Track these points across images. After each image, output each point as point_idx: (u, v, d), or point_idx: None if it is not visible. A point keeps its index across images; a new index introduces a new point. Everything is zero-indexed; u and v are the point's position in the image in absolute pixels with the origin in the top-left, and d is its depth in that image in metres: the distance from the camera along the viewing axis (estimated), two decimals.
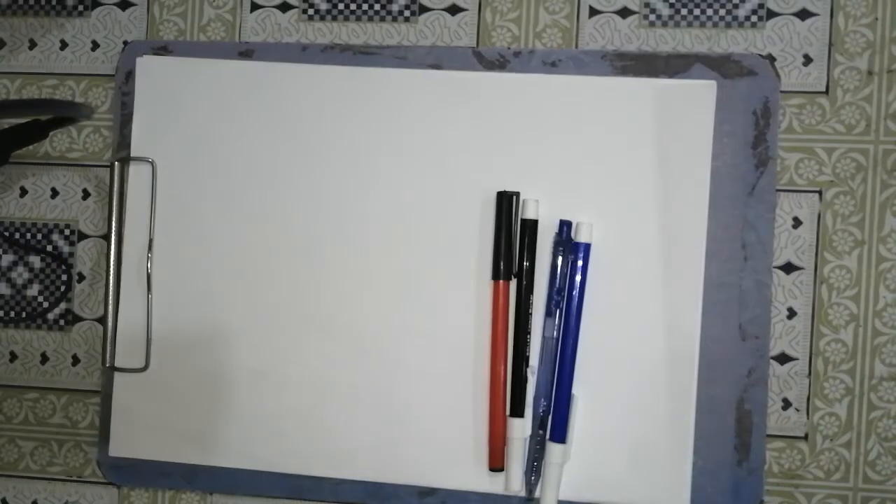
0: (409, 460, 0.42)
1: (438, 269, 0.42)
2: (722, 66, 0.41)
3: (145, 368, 0.44)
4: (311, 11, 0.44)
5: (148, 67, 0.44)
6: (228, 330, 0.43)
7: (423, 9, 0.44)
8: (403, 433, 0.42)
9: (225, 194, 0.43)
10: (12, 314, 0.46)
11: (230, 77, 0.44)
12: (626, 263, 0.41)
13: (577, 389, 0.41)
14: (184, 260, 0.44)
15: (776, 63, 0.41)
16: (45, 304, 0.46)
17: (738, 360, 0.41)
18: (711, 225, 0.41)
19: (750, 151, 0.41)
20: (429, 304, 0.42)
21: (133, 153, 0.44)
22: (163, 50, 0.44)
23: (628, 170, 0.41)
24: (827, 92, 0.41)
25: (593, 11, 0.43)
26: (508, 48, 0.42)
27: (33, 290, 0.46)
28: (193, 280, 0.43)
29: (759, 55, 0.41)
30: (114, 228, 0.44)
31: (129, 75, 0.44)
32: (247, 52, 0.44)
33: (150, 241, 0.43)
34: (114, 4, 0.46)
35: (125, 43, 0.45)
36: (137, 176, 0.44)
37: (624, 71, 0.41)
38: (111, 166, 0.44)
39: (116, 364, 0.44)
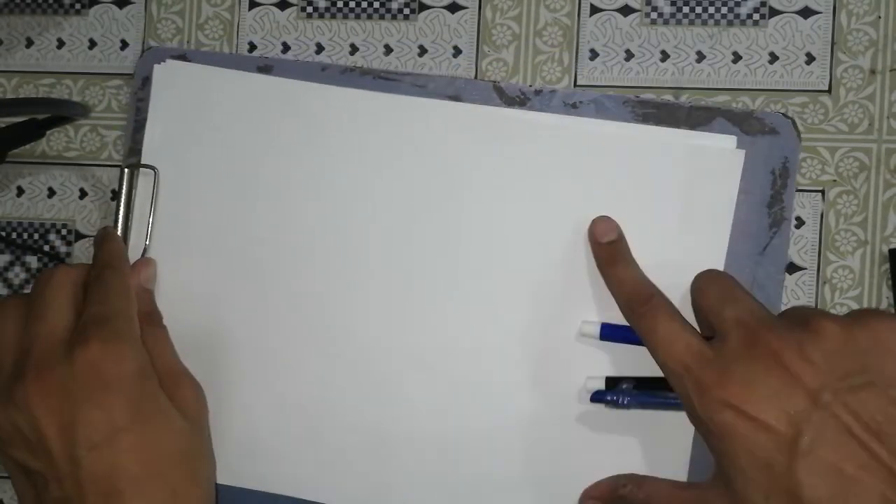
0: (400, 490, 0.42)
1: (447, 297, 0.41)
2: (743, 123, 0.40)
3: None
4: (309, 9, 0.44)
5: (165, 75, 0.44)
6: (228, 346, 0.43)
7: (423, 7, 0.43)
8: (396, 462, 0.42)
9: (233, 208, 0.43)
10: None
11: (246, 90, 0.43)
12: None
13: (570, 437, 0.40)
14: (187, 271, 0.43)
15: (779, 62, 0.41)
16: None
17: None
18: None
19: (765, 210, 0.40)
20: (432, 335, 0.41)
21: (144, 160, 0.44)
22: (181, 59, 0.44)
23: (645, 220, 0.40)
24: (829, 91, 0.41)
25: (594, 9, 0.42)
26: (530, 86, 0.42)
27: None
28: (196, 292, 0.43)
29: (782, 114, 0.40)
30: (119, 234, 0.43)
31: (146, 81, 0.44)
32: (265, 68, 0.43)
33: (146, 248, 0.43)
34: (111, 3, 0.45)
35: (144, 49, 0.45)
36: (147, 183, 0.43)
37: (645, 118, 0.41)
38: (120, 172, 0.43)
39: None
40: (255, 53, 0.44)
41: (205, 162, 0.43)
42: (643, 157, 0.41)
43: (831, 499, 0.30)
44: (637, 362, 0.39)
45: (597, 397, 0.39)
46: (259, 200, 0.43)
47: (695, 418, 0.34)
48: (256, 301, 0.43)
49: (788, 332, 0.33)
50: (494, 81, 0.42)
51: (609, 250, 0.39)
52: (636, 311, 0.37)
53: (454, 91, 0.42)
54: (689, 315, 0.38)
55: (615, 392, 0.39)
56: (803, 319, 0.33)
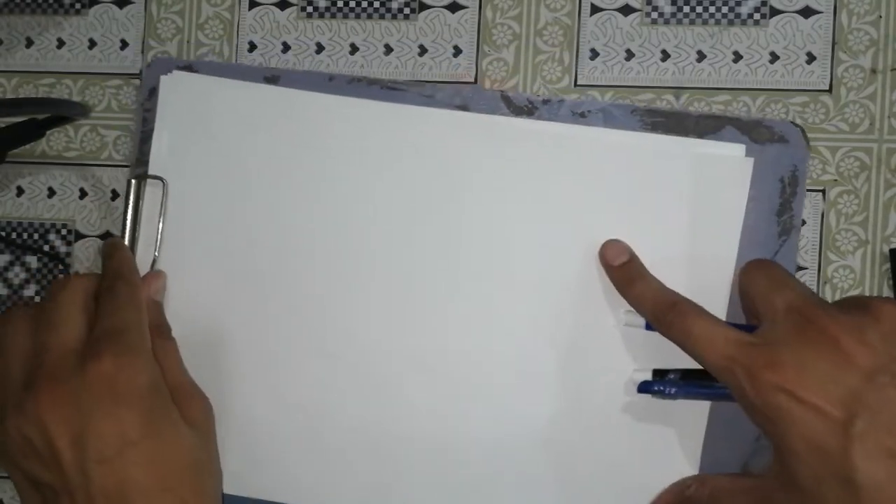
0: (401, 494, 0.41)
1: (457, 304, 0.41)
2: (752, 131, 0.40)
3: None
4: (309, 9, 0.44)
5: (172, 85, 0.43)
6: (231, 353, 0.42)
7: (423, 6, 0.43)
8: (398, 466, 0.41)
9: (240, 218, 0.43)
10: None
11: (253, 101, 0.43)
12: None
13: (575, 448, 0.40)
14: (192, 280, 0.43)
15: (780, 61, 0.41)
16: None
17: (745, 424, 0.39)
18: (731, 291, 0.40)
19: (774, 219, 0.40)
20: (436, 342, 0.41)
21: (151, 170, 0.43)
22: (187, 69, 0.44)
23: (655, 229, 0.40)
24: (830, 90, 0.41)
25: (595, 9, 0.42)
26: (538, 95, 0.42)
27: (30, 291, 0.45)
28: (201, 301, 0.43)
29: (791, 122, 0.40)
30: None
31: (153, 92, 0.44)
32: (272, 78, 0.43)
33: (154, 259, 0.43)
34: (111, 3, 0.45)
35: (150, 62, 0.44)
36: (153, 194, 0.43)
37: (654, 127, 0.41)
38: (127, 183, 0.43)
39: None
40: (255, 53, 0.44)
41: (212, 172, 0.43)
42: (652, 166, 0.40)
43: (887, 484, 0.30)
44: (667, 357, 0.39)
45: (644, 388, 0.39)
46: (266, 210, 0.43)
47: (747, 406, 0.33)
48: (263, 311, 0.42)
49: (846, 316, 0.33)
50: (502, 91, 0.42)
51: (623, 271, 0.39)
52: (664, 320, 0.37)
53: (461, 101, 0.42)
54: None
55: (663, 383, 0.38)
56: (861, 303, 0.33)
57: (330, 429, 0.42)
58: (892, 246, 0.40)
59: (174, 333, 0.41)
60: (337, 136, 0.42)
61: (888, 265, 0.40)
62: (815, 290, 0.41)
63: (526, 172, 0.41)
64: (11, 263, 0.46)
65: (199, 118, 0.43)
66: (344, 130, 0.42)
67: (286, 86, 0.43)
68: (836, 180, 0.41)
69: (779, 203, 0.40)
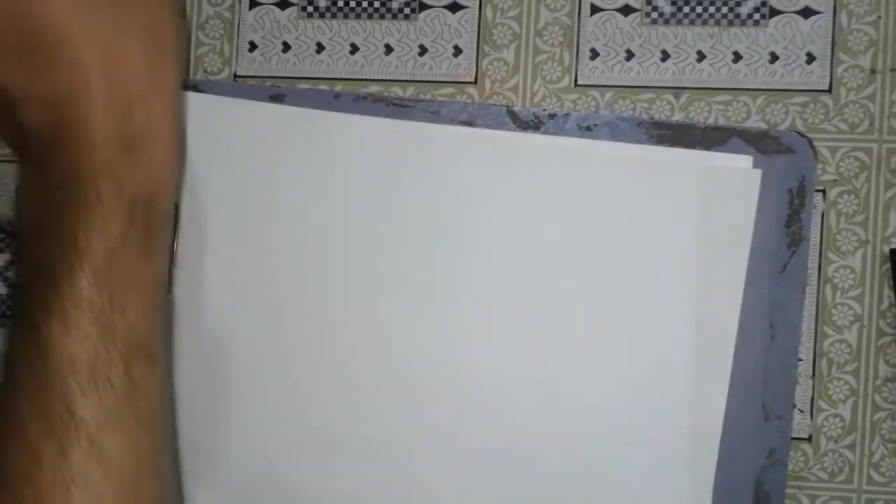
0: None
1: (466, 325, 0.41)
2: (759, 142, 0.40)
3: None
4: (310, 9, 0.44)
5: None
6: (248, 377, 0.42)
7: (423, 6, 0.43)
8: (418, 492, 0.41)
9: (247, 238, 0.43)
10: (9, 314, 0.45)
11: (259, 120, 0.43)
12: (656, 338, 0.40)
13: (593, 464, 0.40)
14: (202, 304, 0.43)
15: (780, 62, 0.41)
16: None
17: (758, 440, 0.39)
18: (741, 304, 0.40)
19: (783, 230, 0.40)
20: (452, 362, 0.41)
21: None
22: (192, 89, 0.43)
23: (662, 242, 0.40)
24: (830, 90, 0.41)
25: (595, 9, 0.42)
26: (544, 110, 0.42)
27: None
28: (210, 326, 0.42)
29: (798, 133, 0.40)
30: None
31: None
32: (278, 97, 0.43)
33: (170, 283, 0.43)
34: None
35: None
36: None
37: (660, 140, 0.41)
38: None
39: None
40: (256, 53, 0.44)
41: (218, 192, 0.43)
42: (659, 179, 0.40)
43: None
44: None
45: None
46: (275, 229, 0.42)
47: None
48: (277, 330, 0.42)
49: None
50: (507, 106, 0.42)
51: None
52: None
53: (467, 116, 0.42)
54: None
55: None
56: None
57: (346, 451, 0.42)
58: (893, 246, 0.40)
59: (189, 353, 0.40)
60: (343, 155, 0.42)
61: (888, 265, 0.40)
62: (815, 291, 0.41)
63: (534, 188, 0.41)
64: (12, 262, 0.46)
65: (204, 138, 0.43)
66: (350, 148, 0.42)
67: (291, 104, 0.43)
68: (835, 180, 0.41)
69: (787, 214, 0.40)
